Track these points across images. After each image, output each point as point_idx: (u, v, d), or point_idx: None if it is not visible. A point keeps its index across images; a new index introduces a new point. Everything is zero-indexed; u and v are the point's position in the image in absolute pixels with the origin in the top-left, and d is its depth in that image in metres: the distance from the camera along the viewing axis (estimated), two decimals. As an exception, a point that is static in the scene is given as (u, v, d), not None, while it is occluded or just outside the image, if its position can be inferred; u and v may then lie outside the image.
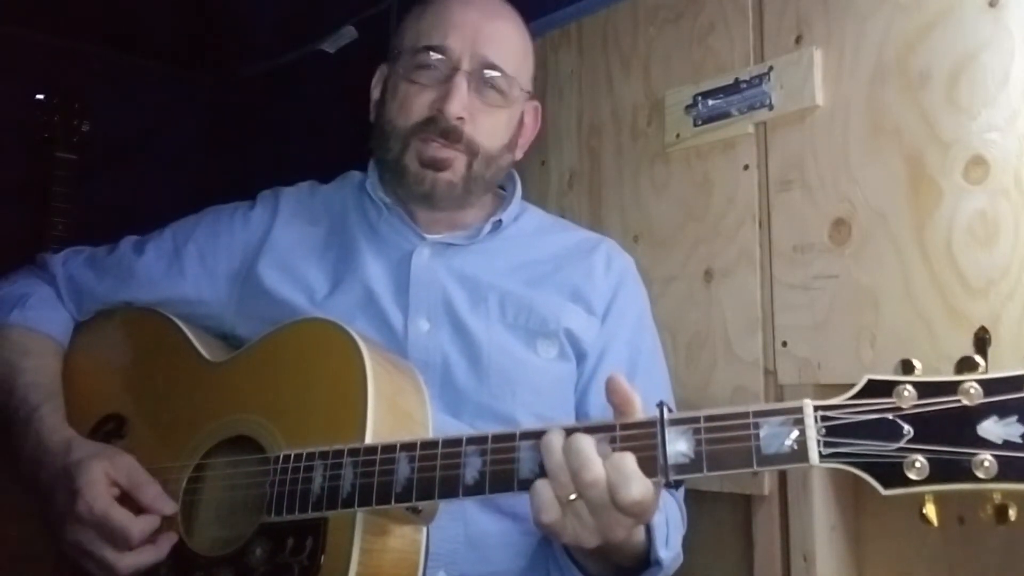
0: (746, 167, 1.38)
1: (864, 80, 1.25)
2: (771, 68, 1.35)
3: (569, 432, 0.84)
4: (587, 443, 0.82)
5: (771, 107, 1.34)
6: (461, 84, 1.19)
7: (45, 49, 2.27)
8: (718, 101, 1.42)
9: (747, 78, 1.38)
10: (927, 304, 1.16)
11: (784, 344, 1.30)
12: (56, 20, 2.24)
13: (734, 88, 1.39)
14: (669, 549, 1.06)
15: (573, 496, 0.82)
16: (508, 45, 1.26)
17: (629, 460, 0.81)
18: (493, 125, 1.24)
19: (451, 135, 1.19)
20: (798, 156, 1.32)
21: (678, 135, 1.47)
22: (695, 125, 1.45)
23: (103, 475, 1.03)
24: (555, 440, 0.84)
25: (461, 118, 1.19)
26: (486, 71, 1.22)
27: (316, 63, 2.25)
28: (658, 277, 1.46)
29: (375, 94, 1.32)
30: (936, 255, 1.16)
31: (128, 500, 1.03)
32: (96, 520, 1.00)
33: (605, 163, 1.62)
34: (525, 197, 1.41)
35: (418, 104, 1.21)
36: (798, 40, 1.33)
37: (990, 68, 1.13)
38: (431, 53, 1.21)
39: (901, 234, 1.19)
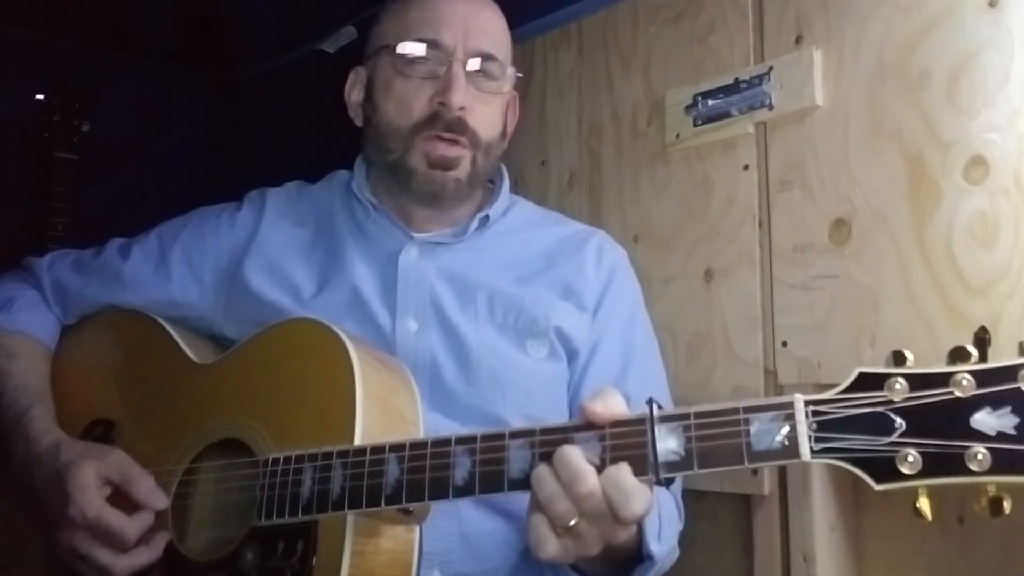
0: (746, 167, 1.38)
1: (864, 80, 1.25)
2: (771, 68, 1.35)
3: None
4: (574, 455, 0.81)
5: (771, 107, 1.34)
6: (459, 74, 1.19)
7: (45, 49, 2.26)
8: (718, 101, 1.41)
9: (747, 78, 1.37)
10: (927, 304, 1.15)
11: (784, 344, 1.30)
12: (56, 20, 2.23)
13: (734, 88, 1.39)
14: (662, 543, 1.04)
15: (573, 521, 0.81)
16: (497, 33, 1.26)
17: (626, 474, 0.80)
18: (490, 114, 1.24)
19: (456, 127, 1.18)
20: (798, 156, 1.32)
21: (678, 135, 1.47)
22: (695, 125, 1.44)
23: (94, 476, 1.02)
24: (543, 471, 0.82)
25: (462, 108, 1.18)
26: (480, 60, 1.21)
27: (316, 63, 2.24)
28: (658, 277, 1.46)
29: (355, 96, 1.30)
30: (936, 255, 1.15)
31: (120, 499, 1.03)
32: (90, 524, 1.00)
33: (605, 163, 1.61)
34: (525, 197, 1.41)
35: (418, 101, 1.20)
36: (798, 40, 1.33)
37: (990, 68, 1.13)
38: (424, 46, 1.20)
39: (901, 234, 1.19)
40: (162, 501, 1.04)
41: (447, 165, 1.20)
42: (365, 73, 1.29)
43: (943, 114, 1.16)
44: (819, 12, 1.31)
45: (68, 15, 2.22)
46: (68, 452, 1.06)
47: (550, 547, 0.83)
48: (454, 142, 1.19)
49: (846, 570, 1.27)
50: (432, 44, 1.20)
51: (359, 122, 1.30)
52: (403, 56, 1.21)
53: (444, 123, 1.18)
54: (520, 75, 1.31)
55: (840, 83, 1.28)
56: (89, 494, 1.01)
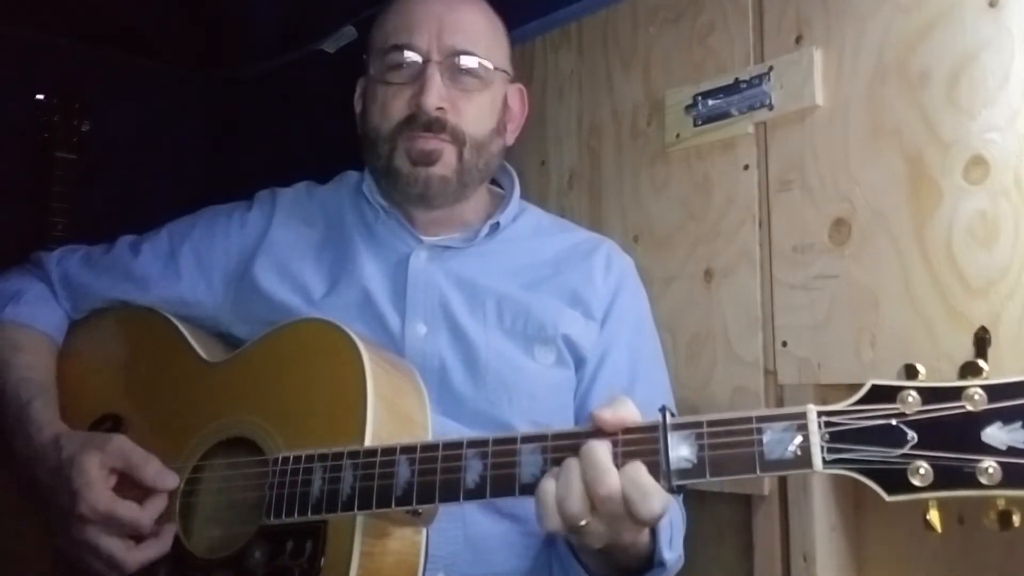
0: (746, 167, 1.38)
1: (864, 80, 1.25)
2: (771, 68, 1.35)
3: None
4: (602, 452, 0.81)
5: (771, 107, 1.34)
6: (434, 75, 1.19)
7: (45, 49, 2.27)
8: (718, 101, 1.41)
9: (747, 78, 1.37)
10: (927, 304, 1.15)
11: (784, 344, 1.30)
12: (57, 20, 2.23)
13: (734, 88, 1.39)
14: (673, 550, 1.06)
15: (584, 522, 0.81)
16: (474, 28, 1.25)
17: (643, 473, 0.80)
18: (477, 110, 1.23)
19: (434, 126, 1.19)
20: (798, 156, 1.32)
21: (678, 135, 1.47)
22: (695, 125, 1.44)
23: (98, 467, 1.02)
24: (572, 462, 0.82)
25: (441, 108, 1.19)
26: (457, 58, 1.21)
27: (316, 63, 2.24)
28: (658, 277, 1.46)
29: (358, 107, 1.32)
30: (936, 255, 1.15)
31: (127, 486, 1.02)
32: (103, 518, 1.00)
33: (605, 163, 1.61)
34: (525, 197, 1.41)
35: (396, 104, 1.21)
36: (798, 40, 1.33)
37: (990, 68, 1.13)
38: (400, 52, 1.21)
39: (901, 234, 1.19)
40: (171, 480, 1.03)
41: (428, 160, 1.20)
42: (365, 82, 1.30)
43: (943, 114, 1.17)
44: (819, 12, 1.31)
45: (69, 15, 2.23)
46: (69, 446, 1.06)
47: (553, 522, 0.82)
48: (434, 137, 1.20)
49: (846, 570, 1.27)
50: (407, 48, 1.21)
51: (359, 131, 1.30)
52: (383, 63, 1.23)
53: (422, 123, 1.19)
54: (506, 71, 1.29)
55: (840, 83, 1.28)
56: (97, 489, 1.00)
